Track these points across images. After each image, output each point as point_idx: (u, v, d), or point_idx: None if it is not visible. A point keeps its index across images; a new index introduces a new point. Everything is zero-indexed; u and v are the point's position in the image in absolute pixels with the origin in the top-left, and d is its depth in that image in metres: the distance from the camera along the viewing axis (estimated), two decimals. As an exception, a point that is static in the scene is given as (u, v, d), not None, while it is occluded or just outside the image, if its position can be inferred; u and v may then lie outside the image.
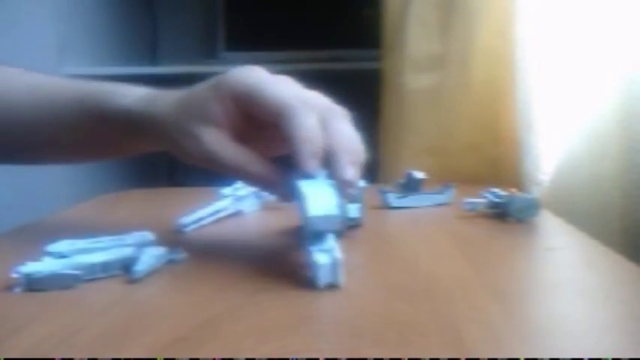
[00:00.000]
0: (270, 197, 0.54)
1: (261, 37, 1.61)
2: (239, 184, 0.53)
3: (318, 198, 0.32)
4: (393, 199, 0.54)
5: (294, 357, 0.23)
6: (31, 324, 0.27)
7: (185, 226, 0.45)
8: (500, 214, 0.49)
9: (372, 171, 0.78)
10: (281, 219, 0.51)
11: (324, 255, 0.31)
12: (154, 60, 1.72)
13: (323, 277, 0.31)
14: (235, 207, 0.51)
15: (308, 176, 0.35)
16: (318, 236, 0.32)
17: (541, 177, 0.60)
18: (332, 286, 0.31)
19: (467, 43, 0.70)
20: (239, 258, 0.40)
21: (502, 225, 0.47)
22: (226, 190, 0.51)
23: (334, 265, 0.31)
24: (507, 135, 0.67)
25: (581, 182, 0.59)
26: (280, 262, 0.37)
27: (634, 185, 0.56)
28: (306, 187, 0.34)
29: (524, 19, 0.62)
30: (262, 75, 0.38)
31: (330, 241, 0.32)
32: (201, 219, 0.47)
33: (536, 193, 0.49)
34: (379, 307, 0.29)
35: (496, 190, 0.50)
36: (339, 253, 0.31)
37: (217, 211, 0.49)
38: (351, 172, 0.35)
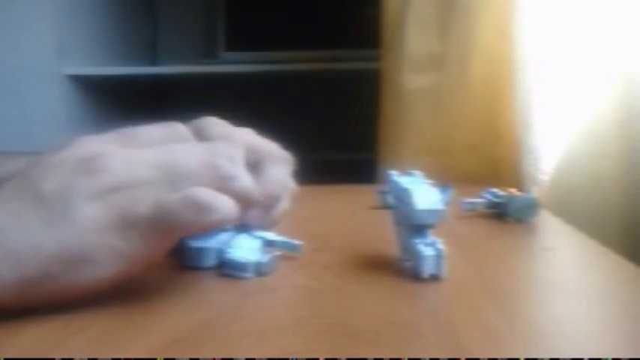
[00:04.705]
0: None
1: (261, 37, 1.61)
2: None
3: (423, 193, 0.33)
4: (391, 199, 0.54)
5: (294, 357, 0.23)
6: (31, 324, 0.27)
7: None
8: (499, 214, 0.49)
9: (371, 171, 0.78)
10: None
11: (429, 247, 0.32)
12: (154, 60, 1.72)
13: (427, 269, 0.32)
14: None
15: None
16: (420, 229, 0.33)
17: (541, 177, 0.60)
18: (435, 278, 0.32)
19: (466, 43, 0.70)
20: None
21: (501, 225, 0.47)
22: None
23: (438, 257, 0.32)
24: (507, 135, 0.67)
25: (581, 182, 0.59)
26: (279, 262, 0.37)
27: (633, 185, 0.56)
28: (407, 183, 0.35)
29: (524, 19, 0.62)
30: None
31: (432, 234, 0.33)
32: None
33: (535, 192, 0.49)
34: (379, 307, 0.29)
35: (495, 190, 0.50)
36: (442, 246, 0.32)
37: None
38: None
